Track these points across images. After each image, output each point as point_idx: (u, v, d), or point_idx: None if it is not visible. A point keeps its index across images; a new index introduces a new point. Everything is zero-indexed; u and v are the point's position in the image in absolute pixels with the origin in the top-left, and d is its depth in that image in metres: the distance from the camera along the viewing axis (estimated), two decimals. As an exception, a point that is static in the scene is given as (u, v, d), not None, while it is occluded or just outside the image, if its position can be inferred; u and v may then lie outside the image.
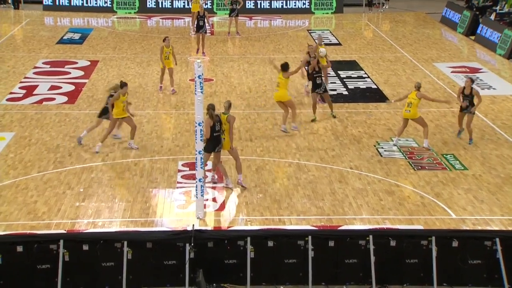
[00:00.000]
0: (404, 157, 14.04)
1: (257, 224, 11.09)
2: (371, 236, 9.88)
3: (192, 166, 12.94)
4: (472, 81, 14.81)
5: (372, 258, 9.80)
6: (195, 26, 21.53)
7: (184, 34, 25.97)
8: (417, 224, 11.16)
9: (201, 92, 10.83)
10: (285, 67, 15.12)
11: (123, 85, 13.73)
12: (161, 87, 18.13)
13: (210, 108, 11.84)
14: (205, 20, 21.72)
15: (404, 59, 22.54)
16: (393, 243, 9.91)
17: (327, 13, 30.84)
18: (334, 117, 16.10)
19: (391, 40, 25.49)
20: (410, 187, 12.66)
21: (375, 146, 14.67)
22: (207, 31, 22.24)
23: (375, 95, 18.48)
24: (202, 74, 10.82)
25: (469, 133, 14.72)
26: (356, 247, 9.90)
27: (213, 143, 11.92)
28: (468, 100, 14.60)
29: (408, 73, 20.79)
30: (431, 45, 24.68)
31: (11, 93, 17.99)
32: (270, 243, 9.82)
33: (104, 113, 14.22)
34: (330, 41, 25.26)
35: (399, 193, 12.41)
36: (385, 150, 14.42)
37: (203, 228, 10.57)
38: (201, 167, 10.94)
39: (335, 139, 15.06)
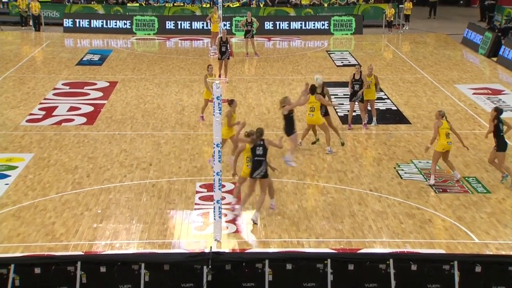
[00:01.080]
0: (425, 180, 13.94)
1: (275, 247, 11.06)
2: (391, 260, 9.79)
3: (210, 187, 12.98)
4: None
5: (393, 283, 9.72)
6: (218, 50, 21.43)
7: (202, 55, 26.23)
8: (438, 248, 11.05)
9: (219, 113, 10.90)
10: (314, 89, 14.98)
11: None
12: (202, 116, 17.39)
13: (257, 132, 11.70)
14: (228, 45, 21.42)
15: (424, 81, 22.50)
16: (414, 267, 9.81)
17: (346, 34, 30.98)
18: (343, 144, 15.70)
19: (411, 61, 25.48)
20: (431, 210, 12.56)
21: (395, 168, 14.60)
22: (229, 57, 21.80)
23: (395, 117, 18.44)
24: (221, 95, 10.91)
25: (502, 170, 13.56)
26: (376, 271, 9.82)
27: (254, 167, 11.70)
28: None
29: (428, 95, 20.74)
30: (452, 67, 24.62)
31: (30, 114, 18.26)
32: (289, 266, 9.78)
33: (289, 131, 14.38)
34: (350, 62, 25.33)
35: (420, 216, 12.31)
36: (405, 172, 14.35)
37: (221, 250, 10.56)
38: (219, 189, 10.97)
39: (354, 160, 15.02)
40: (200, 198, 12.95)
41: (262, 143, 11.75)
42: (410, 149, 15.83)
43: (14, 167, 14.34)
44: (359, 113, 17.38)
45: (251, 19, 25.60)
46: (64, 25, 30.58)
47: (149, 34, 30.43)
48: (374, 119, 17.43)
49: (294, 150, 14.84)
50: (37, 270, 9.52)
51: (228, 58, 21.64)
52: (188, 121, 17.85)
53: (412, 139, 16.59)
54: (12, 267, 9.25)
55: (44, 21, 31.19)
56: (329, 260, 9.75)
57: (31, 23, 31.21)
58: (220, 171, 10.95)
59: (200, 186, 13.50)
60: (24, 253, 10.64)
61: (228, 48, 21.37)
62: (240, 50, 27.08)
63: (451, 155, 15.20)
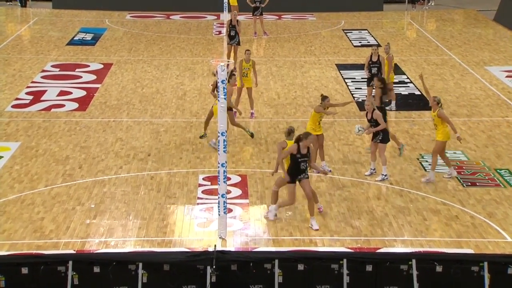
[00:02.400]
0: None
1: (286, 245, 11.08)
2: (414, 261, 9.81)
3: (214, 180, 13.01)
4: None
5: (416, 285, 9.73)
6: (227, 35, 21.21)
7: (206, 35, 26.20)
8: (466, 248, 11.04)
9: (224, 98, 10.90)
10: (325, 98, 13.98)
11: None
12: (235, 112, 15.50)
13: (303, 134, 11.56)
14: (237, 29, 20.91)
15: (452, 62, 22.39)
16: (439, 268, 9.82)
17: (362, 10, 30.83)
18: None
19: (437, 40, 25.36)
20: (459, 205, 12.54)
21: (418, 159, 14.58)
22: (239, 42, 21.21)
23: (418, 103, 18.38)
24: (226, 79, 10.89)
25: None
26: (397, 272, 9.84)
27: (297, 170, 11.53)
28: None
29: (456, 78, 20.65)
30: (483, 47, 24.48)
31: (17, 99, 18.33)
32: (300, 267, 9.82)
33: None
34: (368, 42, 25.24)
35: (446, 212, 12.30)
36: (429, 164, 14.31)
37: (226, 249, 10.60)
38: (224, 181, 10.99)
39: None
40: (203, 192, 12.98)
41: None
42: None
43: (-1, 157, 14.42)
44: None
45: None
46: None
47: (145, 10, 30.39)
48: (393, 103, 17.39)
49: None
50: (24, 270, 9.60)
51: (238, 44, 21.22)
52: (190, 107, 17.87)
53: (437, 127, 16.52)
54: (-3, 266, 9.32)
55: (31, -4, 31.25)
56: (345, 260, 9.77)
57: (16, -2, 31.25)
58: (225, 162, 10.97)
59: (203, 179, 13.53)
60: (10, 251, 10.70)
61: (238, 32, 20.99)
62: (246, 29, 26.98)
63: (483, 146, 15.19)
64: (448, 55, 23.33)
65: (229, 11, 26.25)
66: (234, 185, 13.09)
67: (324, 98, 13.74)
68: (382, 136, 13.36)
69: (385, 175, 13.35)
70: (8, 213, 12.05)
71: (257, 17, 25.68)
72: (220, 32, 26.05)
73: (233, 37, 21.02)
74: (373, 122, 13.30)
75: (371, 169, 13.66)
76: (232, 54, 21.29)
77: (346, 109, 17.74)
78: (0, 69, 21.14)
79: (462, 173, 13.87)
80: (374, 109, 13.34)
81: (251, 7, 25.74)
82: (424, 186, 13.27)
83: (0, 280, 9.46)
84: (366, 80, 17.18)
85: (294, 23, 28.82)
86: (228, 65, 18.56)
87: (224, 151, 10.94)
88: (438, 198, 12.79)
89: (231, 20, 21.12)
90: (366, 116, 13.49)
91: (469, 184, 13.40)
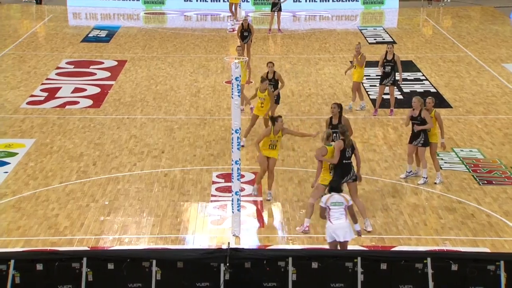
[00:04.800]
0: (467, 170, 13.84)
1: (300, 243, 11.07)
2: (429, 259, 9.74)
3: (228, 177, 13.02)
4: None
5: (431, 284, 9.67)
6: (239, 37, 21.28)
7: (220, 32, 26.21)
8: (482, 246, 10.98)
9: (238, 95, 10.90)
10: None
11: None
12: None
13: (346, 130, 11.38)
14: (250, 31, 20.76)
15: (468, 59, 22.24)
16: (454, 267, 9.74)
17: (378, 7, 30.71)
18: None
19: (454, 37, 25.20)
20: (475, 204, 12.47)
21: (434, 157, 14.50)
22: (251, 40, 21.03)
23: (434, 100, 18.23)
24: (240, 76, 10.89)
25: None
26: (412, 271, 9.77)
27: (343, 172, 11.24)
28: None
29: (472, 75, 20.51)
30: (500, 43, 24.30)
31: (31, 96, 18.44)
32: (314, 265, 9.78)
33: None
34: (384, 39, 25.14)
35: (461, 210, 12.23)
36: (445, 162, 14.25)
37: (240, 246, 10.61)
38: (238, 179, 11.00)
39: (388, 148, 14.94)
40: (216, 189, 13.00)
41: (351, 143, 11.31)
42: (451, 136, 15.70)
43: (13, 154, 14.52)
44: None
45: None
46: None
47: (159, 7, 30.46)
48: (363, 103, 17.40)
49: None
50: (39, 267, 9.63)
51: (251, 41, 21.26)
52: (203, 104, 17.89)
53: (453, 125, 16.45)
54: (12, 263, 9.37)
55: (46, -6, 31.42)
56: (359, 259, 9.72)
57: (32, -5, 31.44)
58: (239, 159, 10.97)
59: (217, 176, 13.55)
60: (25, 248, 10.80)
61: (251, 33, 21.01)
62: (260, 26, 26.98)
63: (499, 143, 15.09)
64: (465, 52, 23.18)
65: (234, 9, 26.38)
66: (248, 182, 13.09)
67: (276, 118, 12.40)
68: (423, 139, 13.03)
69: (426, 178, 13.17)
70: (23, 210, 12.14)
71: (275, 13, 25.64)
72: (234, 30, 26.03)
73: (246, 37, 21.02)
74: (419, 121, 12.98)
75: (407, 172, 13.42)
76: (245, 52, 21.28)
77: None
78: (16, 66, 21.28)
79: (478, 171, 13.79)
80: (421, 108, 12.97)
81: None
82: (439, 184, 13.19)
83: (15, 276, 9.51)
84: (379, 77, 17.06)
85: (309, 20, 28.75)
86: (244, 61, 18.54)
87: (238, 148, 10.95)
88: (454, 197, 12.72)
89: (242, 24, 21.12)
90: (412, 114, 13.10)
91: (485, 182, 13.31)
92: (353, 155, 11.47)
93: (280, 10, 25.62)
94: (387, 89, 16.79)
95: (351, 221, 10.17)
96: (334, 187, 10.15)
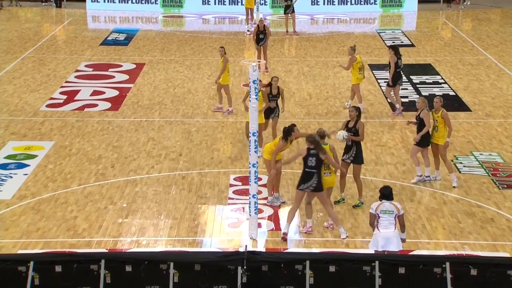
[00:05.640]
0: (487, 174, 13.74)
1: (317, 247, 11.05)
2: (447, 264, 9.67)
3: (245, 180, 13.02)
4: None
5: (449, 289, 9.61)
6: (255, 39, 21.32)
7: (238, 35, 26.25)
8: (502, 251, 10.89)
9: (256, 98, 10.91)
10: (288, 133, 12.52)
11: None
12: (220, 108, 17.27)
13: (316, 136, 11.24)
14: (266, 33, 20.97)
15: (487, 63, 22.08)
16: (474, 272, 9.66)
17: (396, 10, 30.59)
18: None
19: (473, 40, 25.03)
20: (494, 208, 12.37)
21: (452, 160, 14.40)
22: (267, 42, 21.22)
23: (453, 103, 18.17)
24: (258, 78, 10.90)
25: None
26: (430, 275, 9.71)
27: (303, 179, 11.22)
28: None
29: (492, 79, 20.36)
30: (520, 46, 24.13)
31: (51, 98, 18.60)
32: (332, 268, 9.75)
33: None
34: (402, 42, 25.03)
35: (481, 214, 12.14)
36: (464, 166, 14.15)
37: (257, 249, 10.60)
38: (255, 182, 11.00)
39: (406, 152, 14.87)
40: (234, 192, 13.02)
41: (315, 153, 11.11)
42: (470, 139, 15.59)
43: (33, 156, 14.64)
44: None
45: None
46: (91, 0, 30.85)
47: (177, 10, 30.59)
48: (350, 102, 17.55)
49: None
50: (58, 268, 9.69)
51: (266, 43, 21.28)
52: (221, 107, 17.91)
53: (472, 128, 16.34)
54: (31, 264, 9.45)
55: (66, -3, 31.67)
56: (377, 262, 9.68)
57: (51, -1, 31.72)
58: (256, 162, 10.98)
59: (235, 179, 13.56)
60: (44, 249, 10.89)
61: (266, 35, 21.05)
62: (278, 29, 26.98)
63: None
64: (484, 55, 23.02)
65: (250, 14, 26.42)
66: (265, 185, 13.09)
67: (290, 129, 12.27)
68: (421, 139, 13.07)
69: (420, 176, 13.23)
70: (43, 212, 12.24)
71: (289, 15, 25.68)
72: (251, 33, 26.05)
73: (262, 39, 21.04)
74: (418, 121, 13.06)
75: (417, 176, 13.35)
76: (262, 55, 21.30)
77: (379, 109, 17.65)
78: (35, 69, 21.48)
79: (498, 175, 13.68)
80: (423, 108, 13.05)
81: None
82: (458, 188, 13.11)
83: (35, 277, 9.59)
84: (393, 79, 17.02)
85: (327, 23, 28.71)
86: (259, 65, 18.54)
87: (255, 151, 10.96)
88: (473, 201, 12.63)
89: (258, 26, 21.14)
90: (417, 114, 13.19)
91: (505, 186, 13.20)
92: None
93: (293, 11, 25.71)
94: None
95: (399, 230, 10.11)
96: (386, 194, 10.09)
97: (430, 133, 13.11)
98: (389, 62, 17.03)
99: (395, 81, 16.95)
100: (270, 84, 15.00)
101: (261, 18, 23.63)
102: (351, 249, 10.94)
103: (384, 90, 19.16)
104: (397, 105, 17.17)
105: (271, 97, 14.81)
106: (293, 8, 25.74)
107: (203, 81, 20.18)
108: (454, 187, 13.09)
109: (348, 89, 19.23)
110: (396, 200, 12.59)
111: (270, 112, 14.93)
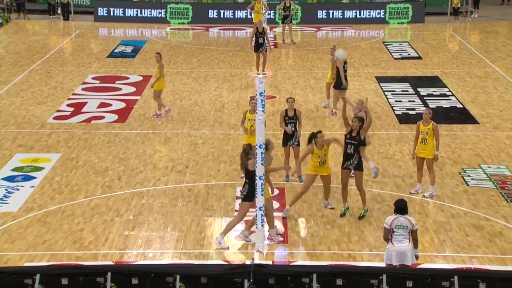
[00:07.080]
0: (495, 187, 13.69)
1: (324, 259, 11.02)
2: (456, 277, 9.62)
3: (252, 193, 13.01)
4: None
5: (457, 303, 9.55)
6: (254, 42, 21.46)
7: (245, 47, 26.34)
8: (511, 265, 10.83)
9: (263, 111, 10.93)
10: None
11: None
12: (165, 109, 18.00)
13: (245, 150, 11.57)
14: (265, 37, 21.20)
15: (495, 75, 22.06)
16: (482, 286, 9.62)
17: (403, 22, 30.62)
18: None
19: (481, 53, 25.03)
20: (503, 221, 12.31)
21: (460, 173, 14.37)
22: (267, 49, 21.46)
23: (460, 116, 18.15)
24: (264, 91, 10.93)
25: None
26: (438, 289, 9.67)
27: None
28: None
29: (500, 91, 20.33)
30: (528, 59, 24.10)
31: (58, 110, 18.67)
32: (339, 281, 9.72)
33: None
34: (409, 54, 25.05)
35: (489, 228, 12.09)
36: (472, 179, 14.11)
37: (264, 262, 10.58)
38: (262, 194, 11.00)
39: (413, 164, 14.82)
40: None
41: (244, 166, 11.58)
42: (478, 152, 15.56)
43: (40, 168, 14.69)
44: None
45: (289, 3, 26.05)
46: (98, 13, 31.06)
47: (183, 22, 30.73)
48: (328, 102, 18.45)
49: None
50: (64, 281, 9.70)
51: (266, 51, 21.40)
52: (228, 119, 17.96)
53: (480, 141, 16.30)
54: (37, 277, 9.46)
55: (74, 9, 31.86)
56: (384, 276, 9.65)
57: (59, 11, 31.92)
58: (263, 174, 10.98)
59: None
60: (50, 262, 10.89)
61: (265, 39, 21.25)
62: (286, 42, 27.05)
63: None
64: (492, 67, 23.00)
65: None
66: (272, 198, 13.06)
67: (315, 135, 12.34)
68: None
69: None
70: (49, 224, 12.26)
71: (286, 25, 26.11)
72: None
73: (261, 44, 21.17)
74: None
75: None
76: (261, 61, 21.42)
77: (386, 122, 17.64)
78: (43, 81, 21.58)
79: (506, 188, 13.63)
80: (363, 110, 13.34)
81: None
82: (466, 201, 13.07)
83: (41, 290, 9.62)
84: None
85: (333, 35, 28.77)
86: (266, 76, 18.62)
87: (261, 164, 10.96)
88: (481, 214, 12.58)
89: (257, 27, 21.31)
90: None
91: (513, 199, 13.15)
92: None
93: (291, 21, 26.08)
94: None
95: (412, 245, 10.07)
96: (401, 208, 10.06)
97: (417, 145, 13.09)
98: (333, 64, 17.65)
99: (340, 85, 17.40)
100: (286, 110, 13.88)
101: (260, 19, 23.67)
102: (358, 262, 10.90)
103: (391, 103, 19.18)
104: (333, 106, 17.90)
105: (287, 120, 13.67)
106: (291, 18, 26.12)
107: (209, 93, 20.23)
108: (424, 196, 13.07)
109: (355, 101, 19.21)
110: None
111: (288, 139, 13.79)
